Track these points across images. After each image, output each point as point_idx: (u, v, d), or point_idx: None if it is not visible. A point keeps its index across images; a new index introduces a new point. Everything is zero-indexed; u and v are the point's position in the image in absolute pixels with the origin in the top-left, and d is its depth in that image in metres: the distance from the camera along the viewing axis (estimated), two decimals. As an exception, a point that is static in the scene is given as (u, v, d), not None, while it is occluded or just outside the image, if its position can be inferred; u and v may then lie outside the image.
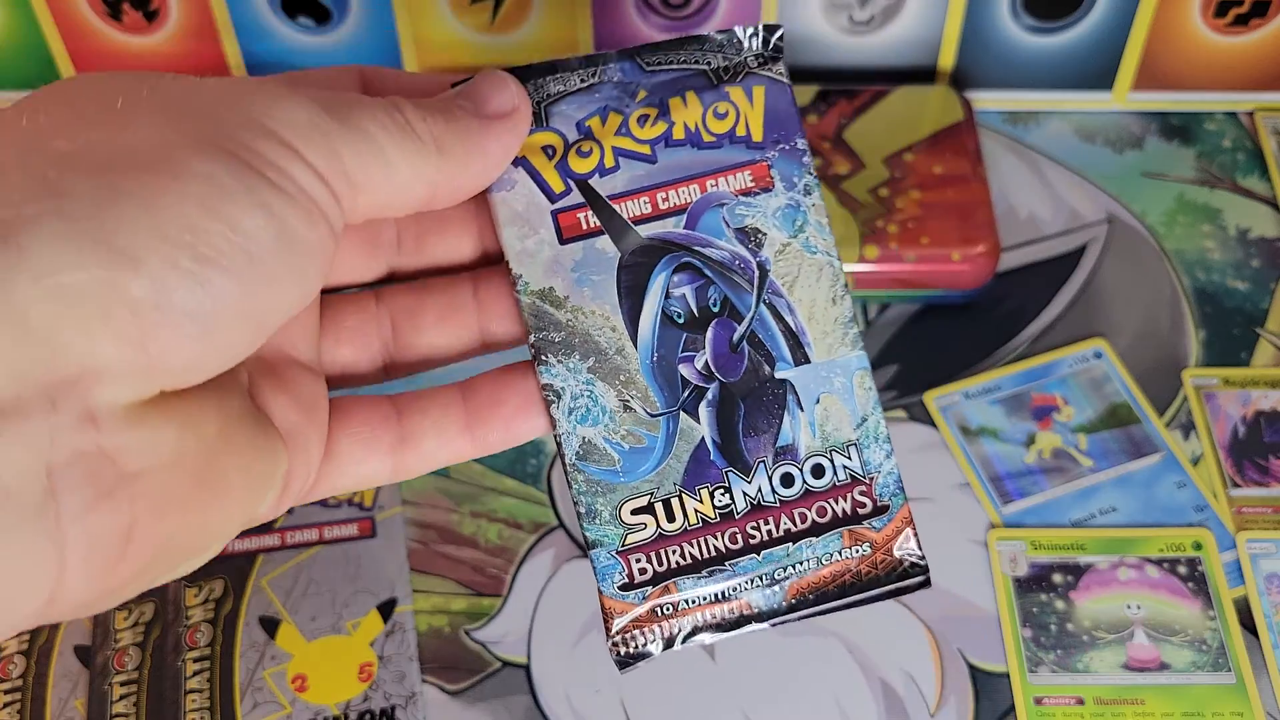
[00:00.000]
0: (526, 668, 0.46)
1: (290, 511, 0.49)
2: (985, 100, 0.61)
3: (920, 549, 0.29)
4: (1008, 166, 0.60)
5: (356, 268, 0.29)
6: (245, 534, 0.48)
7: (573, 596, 0.47)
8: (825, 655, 0.46)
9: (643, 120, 0.28)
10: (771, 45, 0.30)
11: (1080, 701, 0.44)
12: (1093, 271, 0.56)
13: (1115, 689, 0.45)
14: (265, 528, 0.48)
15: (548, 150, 0.28)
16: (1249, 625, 0.46)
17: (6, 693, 0.45)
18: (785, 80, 0.30)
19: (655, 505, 0.28)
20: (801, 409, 0.28)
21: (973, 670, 0.46)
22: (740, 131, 0.29)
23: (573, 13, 0.60)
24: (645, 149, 0.28)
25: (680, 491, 0.28)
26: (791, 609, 0.28)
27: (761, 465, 0.28)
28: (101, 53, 0.61)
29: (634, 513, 0.28)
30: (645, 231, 0.28)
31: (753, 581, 0.28)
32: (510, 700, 0.45)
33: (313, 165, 0.23)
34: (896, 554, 0.28)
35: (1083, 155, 0.60)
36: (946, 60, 0.61)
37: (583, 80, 0.29)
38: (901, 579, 0.28)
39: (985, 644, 0.46)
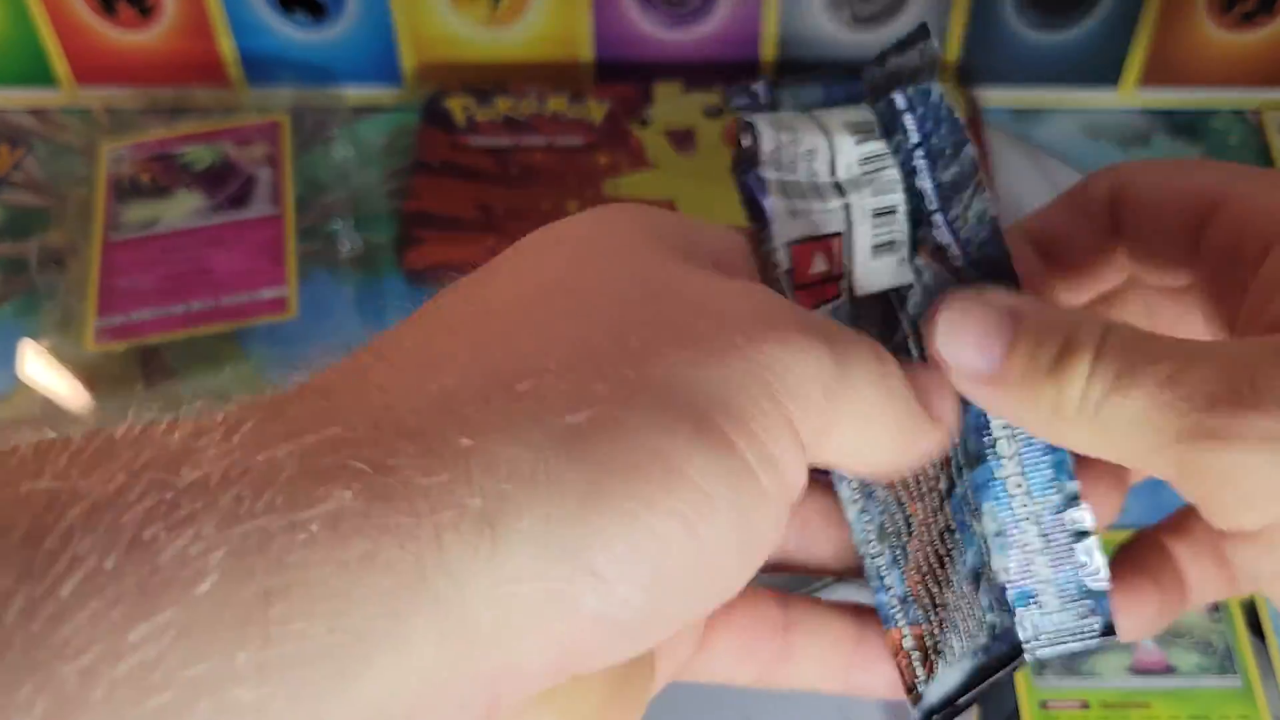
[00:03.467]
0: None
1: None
2: (991, 96, 0.61)
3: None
4: (1013, 163, 0.59)
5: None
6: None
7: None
8: (828, 659, 0.45)
9: None
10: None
11: (1086, 705, 0.44)
12: (1098, 270, 0.56)
13: (1121, 692, 0.44)
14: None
15: None
16: (1256, 628, 0.46)
17: None
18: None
19: None
20: None
21: (977, 675, 0.45)
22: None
23: (572, 7, 0.59)
24: None
25: None
26: None
27: None
28: (95, 49, 0.61)
29: None
30: None
31: None
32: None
33: (810, 452, 0.19)
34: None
35: (1089, 153, 0.60)
36: (951, 56, 0.60)
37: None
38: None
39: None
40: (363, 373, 0.18)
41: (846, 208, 0.24)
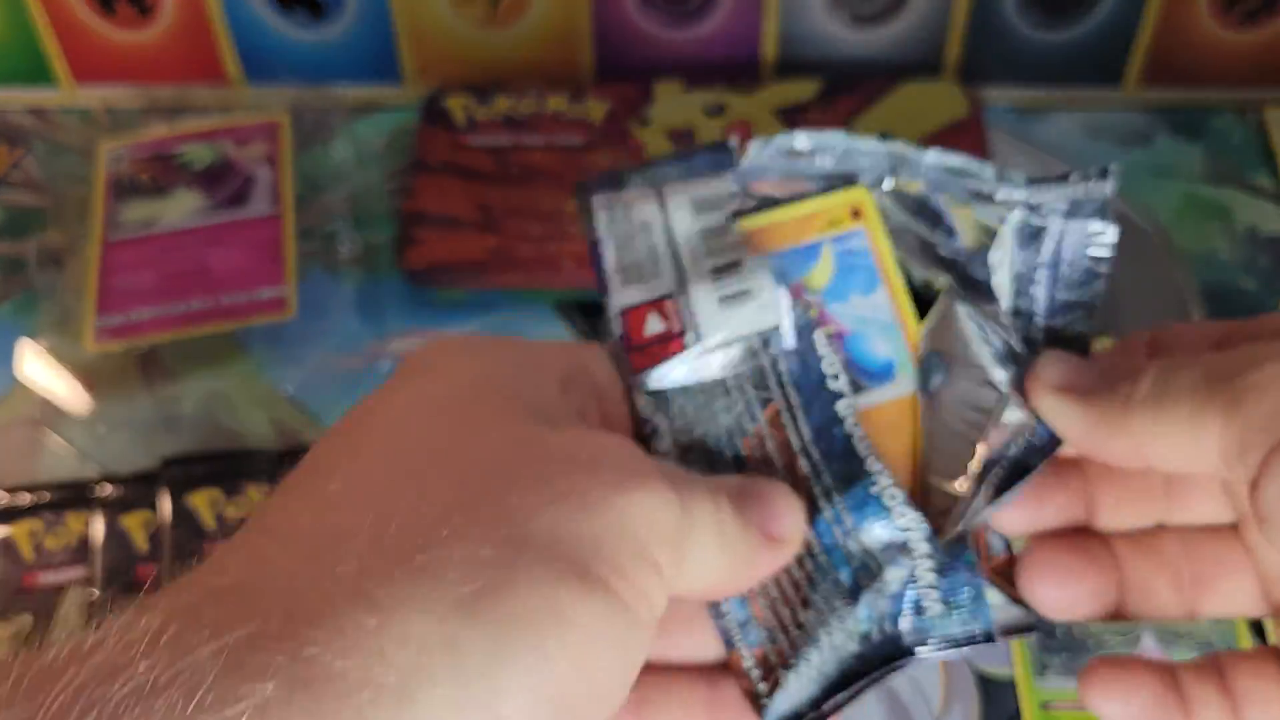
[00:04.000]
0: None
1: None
2: (992, 95, 0.61)
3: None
4: (1014, 163, 0.59)
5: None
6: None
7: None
8: (828, 660, 0.45)
9: None
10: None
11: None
12: (1099, 270, 0.56)
13: (1123, 695, 0.44)
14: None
15: None
16: (1257, 630, 0.46)
17: None
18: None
19: None
20: None
21: (978, 676, 0.45)
22: None
23: (573, 6, 0.59)
24: None
25: None
26: None
27: None
28: (94, 48, 0.61)
29: None
30: None
31: None
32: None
33: (668, 584, 0.22)
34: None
35: (1090, 152, 0.60)
36: (952, 54, 0.60)
37: None
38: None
39: (991, 649, 0.46)
40: (267, 562, 0.20)
41: (679, 269, 0.27)
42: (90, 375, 0.52)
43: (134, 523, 0.49)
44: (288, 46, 0.61)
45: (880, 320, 0.28)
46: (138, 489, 0.49)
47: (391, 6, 0.59)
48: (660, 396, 0.26)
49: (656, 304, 0.26)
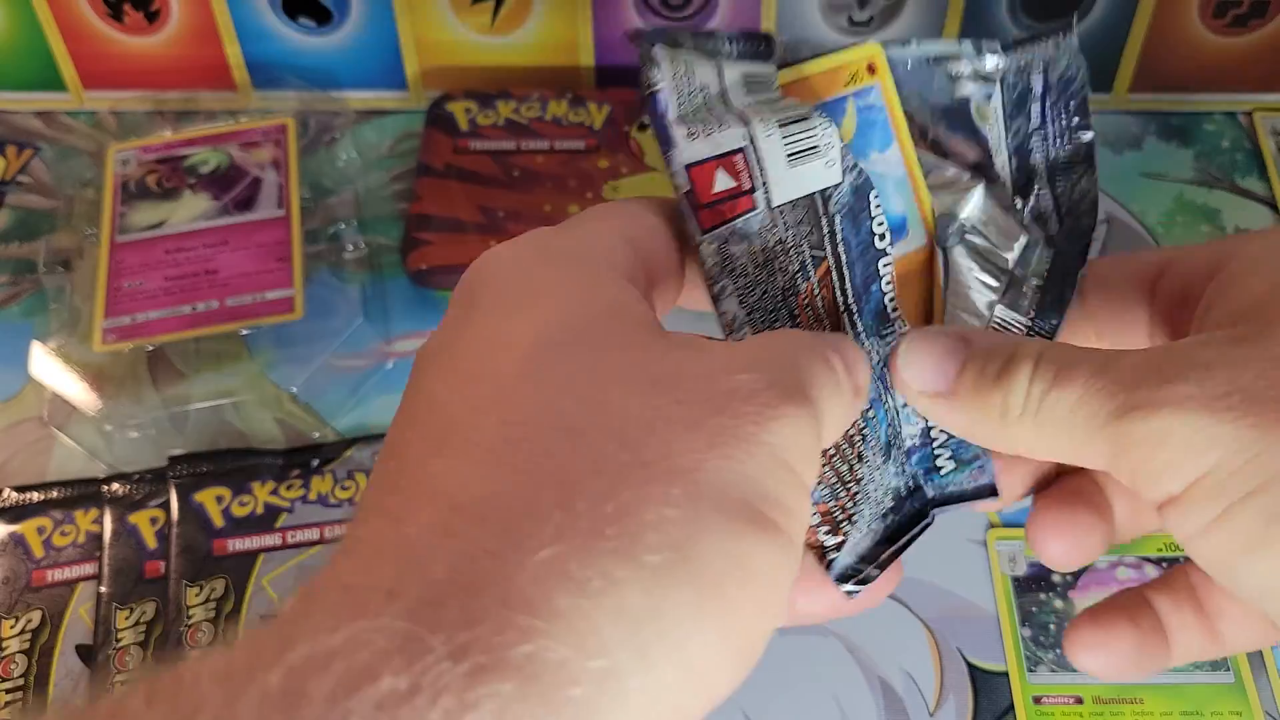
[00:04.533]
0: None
1: (290, 510, 0.49)
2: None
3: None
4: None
5: None
6: (246, 534, 0.48)
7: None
8: (825, 654, 0.46)
9: None
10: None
11: (1079, 700, 0.45)
12: (1092, 271, 0.56)
13: (1114, 688, 0.45)
14: (266, 527, 0.49)
15: None
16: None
17: (9, 691, 0.45)
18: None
19: None
20: None
21: (972, 669, 0.46)
22: None
23: (573, 14, 0.60)
24: None
25: None
26: None
27: None
28: (103, 54, 0.62)
29: None
30: None
31: None
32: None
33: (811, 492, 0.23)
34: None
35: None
36: (946, 61, 0.61)
37: None
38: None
39: (984, 643, 0.46)
40: (460, 539, 0.20)
41: (746, 122, 0.26)
42: (99, 375, 0.52)
43: (142, 520, 0.49)
44: (294, 54, 0.61)
45: (894, 176, 0.28)
46: (146, 487, 0.50)
47: (396, 15, 0.60)
48: (726, 254, 0.26)
49: (725, 159, 0.25)
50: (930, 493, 0.28)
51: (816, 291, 0.26)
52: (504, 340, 0.22)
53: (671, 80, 0.26)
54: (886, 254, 0.26)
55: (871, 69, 0.28)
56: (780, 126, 0.25)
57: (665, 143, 0.25)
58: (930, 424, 0.27)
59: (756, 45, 0.27)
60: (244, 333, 0.52)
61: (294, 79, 0.61)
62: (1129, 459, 0.23)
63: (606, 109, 0.60)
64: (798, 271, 0.26)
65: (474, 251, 0.56)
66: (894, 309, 0.27)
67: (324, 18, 0.60)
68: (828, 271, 0.26)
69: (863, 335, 0.26)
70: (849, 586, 0.26)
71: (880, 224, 0.26)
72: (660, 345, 0.23)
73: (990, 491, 0.28)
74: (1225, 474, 0.21)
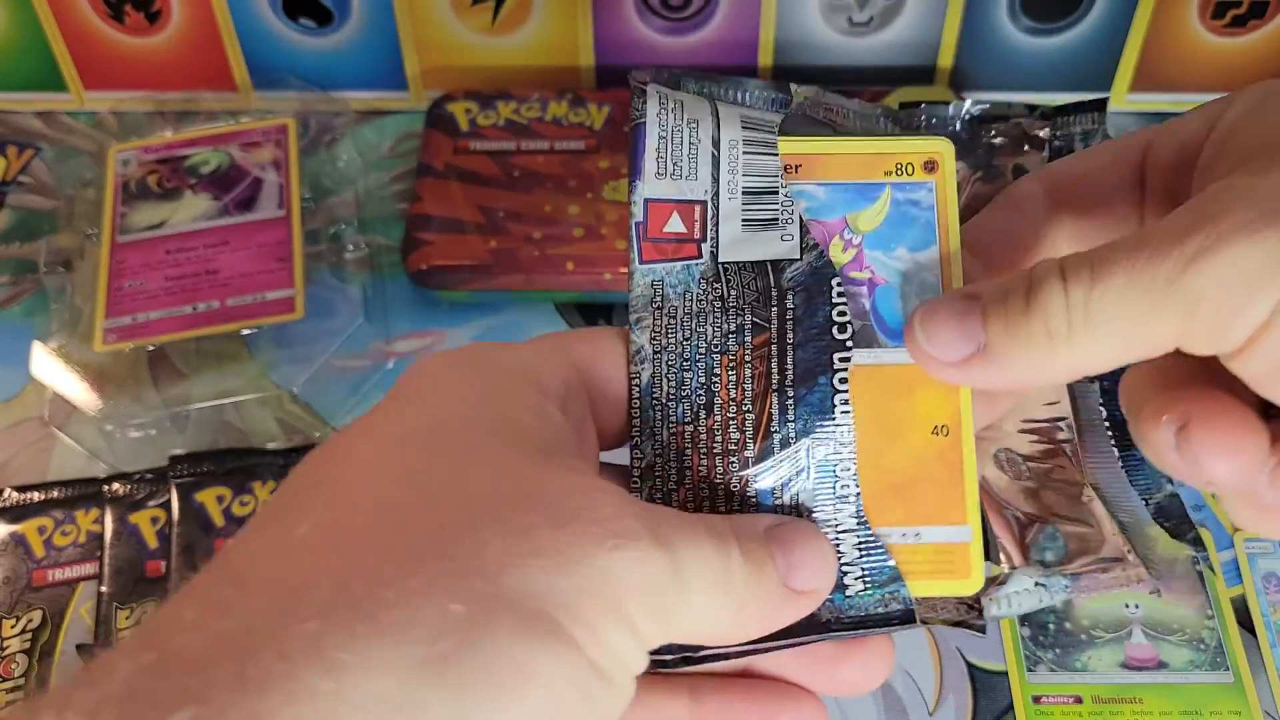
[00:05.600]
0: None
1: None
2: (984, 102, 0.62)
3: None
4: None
5: None
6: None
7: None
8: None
9: None
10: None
11: (1078, 700, 0.45)
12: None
13: (1113, 688, 0.45)
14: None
15: None
16: (1246, 624, 0.46)
17: (9, 691, 0.45)
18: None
19: None
20: None
21: (971, 669, 0.46)
22: None
23: (573, 14, 0.60)
24: None
25: None
26: None
27: None
28: (104, 55, 0.62)
29: None
30: None
31: None
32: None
33: (648, 641, 0.22)
34: None
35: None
36: (945, 61, 0.61)
37: None
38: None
39: (984, 643, 0.46)
40: (225, 613, 0.19)
41: (715, 179, 0.26)
42: (100, 375, 0.52)
43: (143, 520, 0.49)
44: (294, 54, 0.61)
45: (923, 279, 0.26)
46: (147, 486, 0.50)
47: (396, 15, 0.60)
48: (661, 291, 0.26)
49: (683, 205, 0.26)
50: (826, 614, 0.25)
51: (748, 359, 0.26)
52: (378, 431, 0.23)
53: (656, 115, 0.26)
54: (847, 349, 0.26)
55: (931, 167, 0.27)
56: (744, 194, 0.26)
57: (634, 172, 0.26)
58: (839, 540, 0.25)
59: (772, 95, 0.28)
60: (245, 333, 0.52)
61: (294, 79, 0.61)
62: (1205, 308, 0.21)
63: (606, 109, 0.60)
64: (732, 332, 0.26)
65: (474, 251, 0.56)
66: (845, 408, 0.25)
67: (324, 18, 0.60)
68: (766, 342, 0.26)
69: (790, 421, 0.25)
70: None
71: (841, 314, 0.26)
72: (530, 465, 0.22)
73: (904, 619, 0.25)
74: None
